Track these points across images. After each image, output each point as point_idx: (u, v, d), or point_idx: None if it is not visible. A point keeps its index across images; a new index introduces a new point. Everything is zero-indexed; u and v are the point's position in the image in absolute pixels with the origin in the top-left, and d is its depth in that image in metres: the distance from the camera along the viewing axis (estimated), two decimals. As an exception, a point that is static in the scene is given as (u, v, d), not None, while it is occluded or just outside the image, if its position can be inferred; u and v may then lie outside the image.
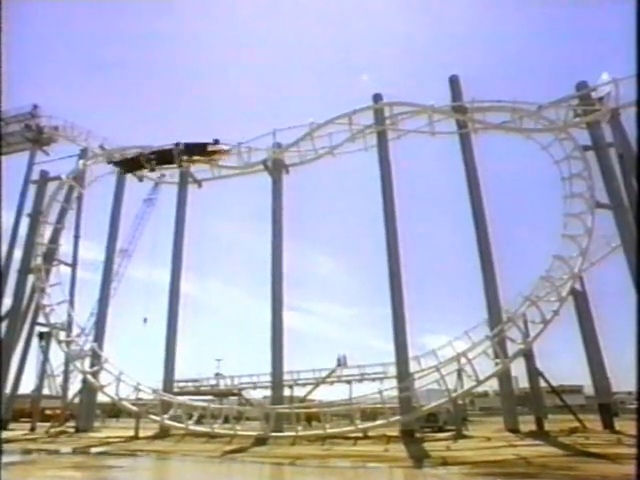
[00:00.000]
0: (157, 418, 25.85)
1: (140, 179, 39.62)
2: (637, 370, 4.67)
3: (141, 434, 27.05)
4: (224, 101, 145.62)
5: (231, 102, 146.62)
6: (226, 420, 25.97)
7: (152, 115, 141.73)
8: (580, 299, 26.56)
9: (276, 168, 33.71)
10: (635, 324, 4.62)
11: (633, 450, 15.75)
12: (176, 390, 35.48)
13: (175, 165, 34.99)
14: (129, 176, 37.98)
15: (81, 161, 37.01)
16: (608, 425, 23.85)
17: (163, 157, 34.55)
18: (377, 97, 32.02)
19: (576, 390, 49.53)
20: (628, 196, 26.88)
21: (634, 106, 26.45)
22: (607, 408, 24.93)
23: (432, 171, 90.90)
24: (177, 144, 34.01)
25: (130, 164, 35.85)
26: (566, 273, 24.69)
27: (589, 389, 31.71)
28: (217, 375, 47.81)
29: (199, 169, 37.24)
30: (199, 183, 37.82)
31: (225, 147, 34.31)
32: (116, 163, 36.52)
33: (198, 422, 25.81)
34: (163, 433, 27.35)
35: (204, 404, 27.74)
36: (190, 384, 45.14)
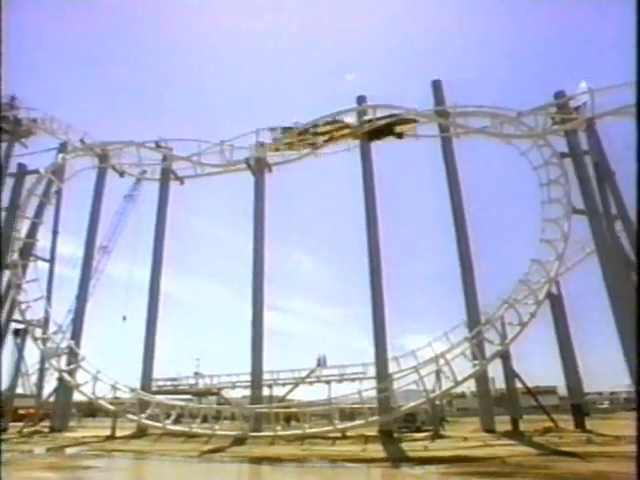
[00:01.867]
0: (134, 417, 25.59)
1: (121, 174, 39.12)
2: (637, 370, 4.85)
3: (118, 433, 26.75)
4: (208, 99, 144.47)
5: (215, 100, 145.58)
6: (204, 420, 25.86)
7: (135, 110, 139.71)
8: (556, 302, 27.22)
9: (259, 167, 33.60)
10: (635, 326, 4.80)
11: (602, 448, 16.49)
12: (154, 389, 35.03)
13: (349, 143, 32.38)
14: (110, 171, 37.47)
15: (60, 155, 36.32)
16: (579, 424, 24.54)
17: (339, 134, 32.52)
18: (361, 99, 32.23)
19: (550, 391, 50.54)
20: (602, 203, 27.66)
21: (609, 116, 27.38)
22: (579, 408, 25.64)
23: (414, 173, 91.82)
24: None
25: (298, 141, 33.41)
26: (543, 277, 25.29)
27: (563, 390, 32.44)
28: (196, 374, 47.36)
29: (180, 167, 36.96)
30: (181, 180, 37.45)
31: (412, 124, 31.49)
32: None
33: (176, 421, 25.64)
34: (140, 432, 27.09)
35: (182, 403, 27.56)
36: (169, 383, 44.63)
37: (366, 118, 31.49)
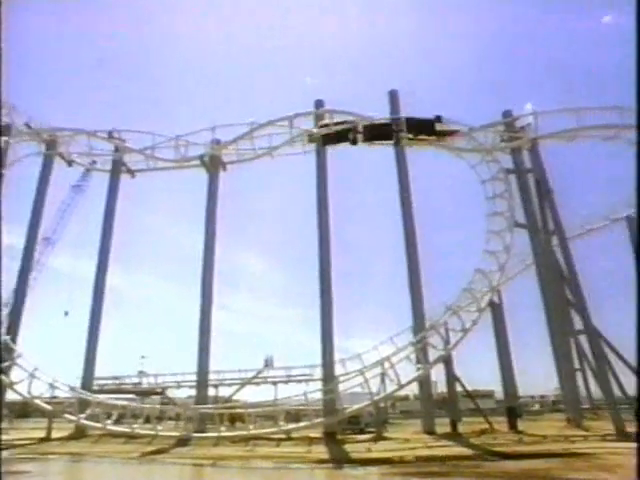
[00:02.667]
0: (73, 417, 24.64)
1: (69, 163, 37.37)
2: (637, 374, 5.31)
3: (55, 435, 25.70)
4: (167, 95, 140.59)
5: (174, 95, 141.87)
6: (147, 420, 25.27)
7: (95, 101, 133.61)
8: (497, 310, 28.60)
9: (213, 164, 33.22)
10: (635, 333, 5.25)
11: (531, 447, 17.66)
12: (96, 388, 33.81)
13: (392, 142, 30.34)
14: (57, 159, 35.72)
15: (3, 138, 34.28)
16: (513, 426, 25.95)
17: (378, 132, 30.59)
18: (319, 103, 32.49)
19: (488, 395, 53.00)
20: (542, 218, 29.46)
21: (550, 138, 29.32)
22: (513, 411, 27.12)
23: (368, 179, 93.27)
24: (396, 119, 29.96)
25: (335, 136, 30.92)
26: (486, 286, 26.63)
27: (500, 394, 34.11)
28: (140, 373, 46.01)
29: (132, 159, 35.84)
30: (132, 173, 36.33)
31: (456, 128, 30.26)
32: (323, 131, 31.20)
33: (117, 422, 24.91)
34: (79, 434, 26.13)
35: (125, 403, 26.80)
36: (111, 382, 43.13)
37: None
